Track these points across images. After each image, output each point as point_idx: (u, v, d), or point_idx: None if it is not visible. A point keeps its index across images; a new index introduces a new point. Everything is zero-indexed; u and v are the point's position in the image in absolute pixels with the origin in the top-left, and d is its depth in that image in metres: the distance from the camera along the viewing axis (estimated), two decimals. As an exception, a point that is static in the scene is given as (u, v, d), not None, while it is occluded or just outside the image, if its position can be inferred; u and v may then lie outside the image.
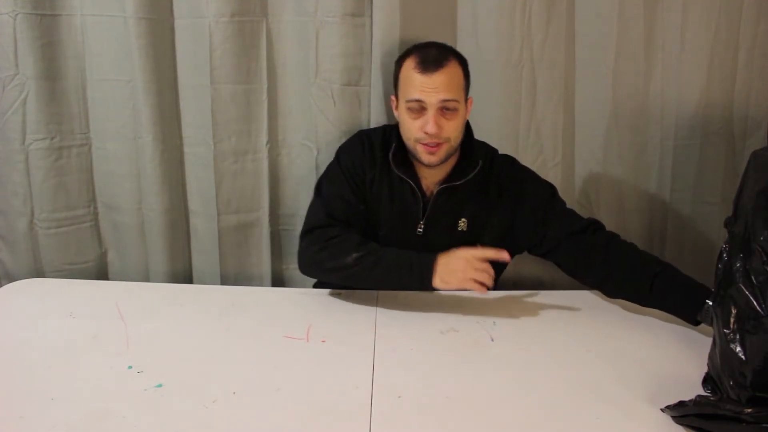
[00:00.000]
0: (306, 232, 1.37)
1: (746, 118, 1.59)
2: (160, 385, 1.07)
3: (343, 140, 1.48)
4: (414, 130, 1.31)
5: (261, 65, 1.54)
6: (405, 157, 1.39)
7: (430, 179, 1.40)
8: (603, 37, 1.54)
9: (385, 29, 1.49)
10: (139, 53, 1.48)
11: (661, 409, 1.00)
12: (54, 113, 1.53)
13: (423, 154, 1.33)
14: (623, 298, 1.35)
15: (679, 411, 0.96)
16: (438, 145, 1.31)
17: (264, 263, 1.68)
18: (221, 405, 1.02)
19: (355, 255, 1.29)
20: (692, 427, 0.95)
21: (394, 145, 1.38)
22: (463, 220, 1.41)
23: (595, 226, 1.40)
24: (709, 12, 1.51)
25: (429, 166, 1.35)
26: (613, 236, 1.38)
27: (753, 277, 0.93)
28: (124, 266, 1.67)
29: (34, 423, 0.97)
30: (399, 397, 1.06)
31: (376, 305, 1.36)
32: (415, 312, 1.33)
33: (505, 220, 1.42)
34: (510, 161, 1.47)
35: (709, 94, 1.56)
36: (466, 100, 1.36)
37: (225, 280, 1.67)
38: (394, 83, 1.39)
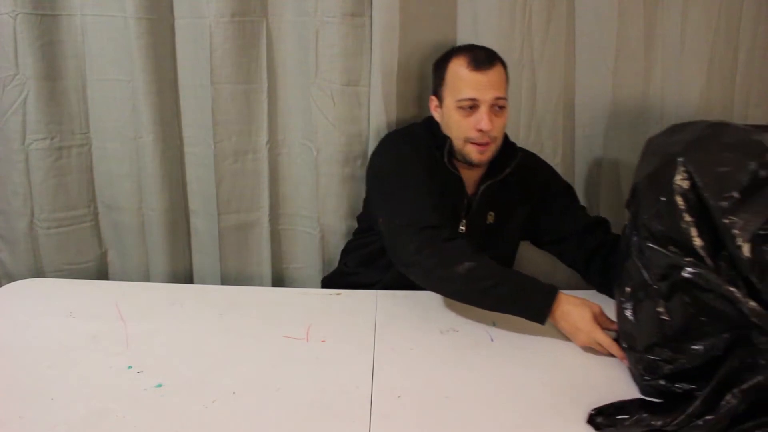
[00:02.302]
0: (421, 229, 1.24)
1: (746, 118, 1.59)
2: (159, 385, 1.07)
3: (343, 140, 1.48)
4: (465, 128, 1.32)
5: (261, 65, 1.54)
6: (451, 155, 1.38)
7: (471, 178, 1.42)
8: (603, 37, 1.54)
9: (385, 29, 1.49)
10: (139, 53, 1.48)
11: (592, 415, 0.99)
12: (54, 113, 1.53)
13: (473, 153, 1.34)
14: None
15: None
16: (487, 144, 1.32)
17: (264, 263, 1.68)
18: (221, 405, 1.02)
19: (467, 265, 1.20)
20: None
21: (449, 141, 1.36)
22: (491, 213, 1.43)
23: (606, 224, 1.44)
24: (709, 12, 1.51)
25: (477, 165, 1.36)
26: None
27: (642, 251, 1.04)
28: (124, 266, 1.67)
29: (34, 423, 0.97)
30: (399, 397, 1.06)
31: (376, 305, 1.35)
32: (415, 312, 1.33)
33: (526, 210, 1.45)
34: (531, 153, 1.51)
35: (709, 94, 1.56)
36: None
37: (225, 280, 1.67)
38: (437, 83, 1.39)
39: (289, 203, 1.66)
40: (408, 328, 1.27)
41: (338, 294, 1.41)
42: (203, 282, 1.67)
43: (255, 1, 1.50)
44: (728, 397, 0.92)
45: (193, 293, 1.47)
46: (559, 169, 1.61)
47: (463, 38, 1.55)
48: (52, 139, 1.54)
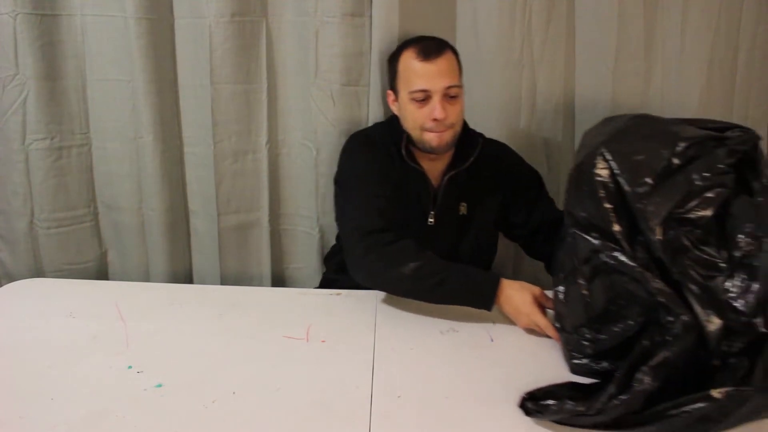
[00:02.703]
0: (364, 236, 1.28)
1: (746, 118, 1.59)
2: (159, 385, 1.07)
3: (343, 140, 1.48)
4: (420, 118, 1.33)
5: (261, 65, 1.54)
6: (411, 150, 1.40)
7: (435, 169, 1.42)
8: (603, 37, 1.54)
9: (385, 29, 1.49)
10: (139, 53, 1.48)
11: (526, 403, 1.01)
12: (54, 113, 1.53)
13: (431, 140, 1.34)
14: None
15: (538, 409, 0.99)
16: (444, 131, 1.33)
17: (264, 263, 1.68)
18: (221, 405, 1.02)
19: (413, 265, 1.23)
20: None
21: (405, 135, 1.38)
22: (463, 204, 1.44)
23: None
24: (709, 12, 1.51)
25: (436, 152, 1.36)
26: None
27: (572, 238, 1.10)
28: (124, 266, 1.67)
29: (34, 423, 0.97)
30: (399, 397, 1.06)
31: (376, 305, 1.35)
32: (415, 312, 1.33)
33: (498, 201, 1.45)
34: (499, 143, 1.52)
35: (709, 94, 1.56)
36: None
37: (225, 280, 1.67)
38: (391, 78, 1.41)
39: (289, 203, 1.66)
40: (408, 328, 1.27)
41: (338, 294, 1.41)
42: (203, 282, 1.67)
43: (255, 1, 1.50)
44: (638, 375, 0.94)
45: (193, 293, 1.47)
46: (559, 170, 1.61)
47: (463, 38, 1.55)
48: (52, 139, 1.54)
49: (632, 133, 1.09)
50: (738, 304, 0.95)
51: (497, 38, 1.53)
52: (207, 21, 1.49)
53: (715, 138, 1.04)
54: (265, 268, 1.68)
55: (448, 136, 1.35)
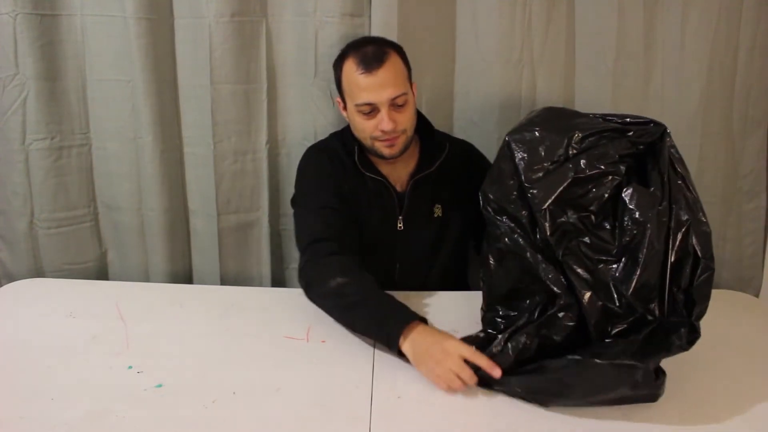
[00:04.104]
0: (307, 245, 1.31)
1: (746, 118, 1.59)
2: (160, 385, 1.07)
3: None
4: (369, 129, 1.33)
5: (261, 65, 1.54)
6: (367, 158, 1.40)
7: (398, 173, 1.42)
8: (603, 36, 1.54)
9: (384, 29, 1.49)
10: (139, 53, 1.48)
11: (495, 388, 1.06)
12: (54, 113, 1.53)
13: (382, 149, 1.34)
14: None
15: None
16: (395, 138, 1.32)
17: (264, 263, 1.68)
18: (221, 405, 1.02)
19: (339, 280, 1.21)
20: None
21: (356, 147, 1.39)
22: (437, 206, 1.43)
23: None
24: (709, 12, 1.51)
25: (390, 158, 1.36)
26: None
27: (489, 222, 1.19)
28: (124, 266, 1.67)
29: (34, 423, 0.97)
30: (399, 397, 1.06)
31: (376, 305, 1.35)
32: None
33: (475, 202, 1.42)
34: (465, 142, 1.52)
35: (709, 94, 1.56)
36: (411, 87, 1.37)
37: (225, 280, 1.67)
38: (337, 86, 1.39)
39: (288, 203, 1.66)
40: (408, 328, 1.27)
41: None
42: (203, 282, 1.66)
43: (255, 1, 1.50)
44: (517, 336, 1.06)
45: (193, 293, 1.47)
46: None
47: (463, 38, 1.55)
48: (52, 139, 1.54)
49: (540, 125, 1.15)
50: (622, 287, 1.04)
51: (497, 38, 1.53)
52: (207, 21, 1.49)
53: (616, 130, 1.12)
54: (265, 268, 1.68)
55: (400, 142, 1.34)
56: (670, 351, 1.00)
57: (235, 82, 1.53)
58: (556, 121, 1.16)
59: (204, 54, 1.51)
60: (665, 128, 1.12)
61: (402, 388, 1.08)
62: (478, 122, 1.59)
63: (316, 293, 1.28)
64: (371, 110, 1.30)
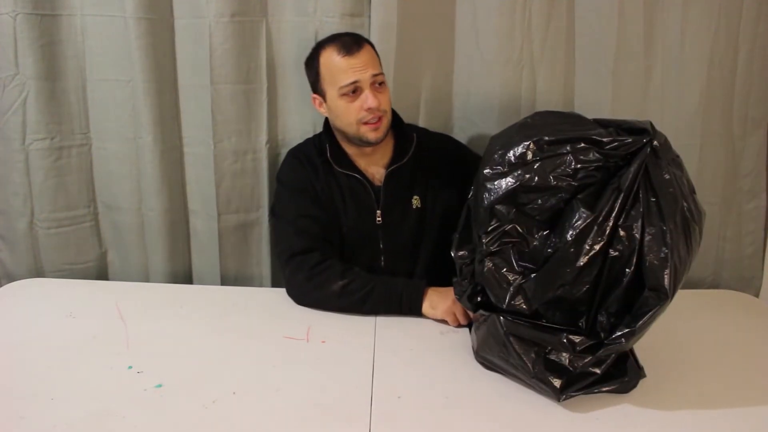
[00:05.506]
0: (288, 258, 1.38)
1: (746, 118, 1.59)
2: (160, 385, 1.07)
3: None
4: (354, 111, 1.34)
5: (261, 65, 1.54)
6: (343, 155, 1.42)
7: (373, 168, 1.44)
8: (603, 36, 1.53)
9: (384, 29, 1.49)
10: (139, 53, 1.48)
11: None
12: (54, 113, 1.53)
13: (368, 133, 1.36)
14: None
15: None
16: (380, 119, 1.35)
17: (264, 263, 1.68)
18: (221, 405, 1.02)
19: (341, 283, 1.32)
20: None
21: (327, 145, 1.42)
22: (415, 197, 1.45)
23: None
24: (709, 12, 1.51)
25: (375, 143, 1.37)
26: None
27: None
28: (124, 266, 1.67)
29: (34, 423, 0.97)
30: (399, 397, 1.06)
31: (376, 305, 1.35)
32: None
33: (455, 192, 1.43)
34: (445, 135, 1.55)
35: (709, 94, 1.56)
36: None
37: (225, 280, 1.67)
38: (312, 82, 1.41)
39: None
40: (408, 329, 1.28)
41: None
42: (203, 282, 1.66)
43: (255, 1, 1.50)
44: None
45: (193, 293, 1.47)
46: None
47: (463, 38, 1.55)
48: (52, 139, 1.54)
49: (520, 127, 1.16)
50: (527, 288, 1.07)
51: (497, 38, 1.53)
52: (207, 21, 1.49)
53: (590, 141, 1.08)
54: (265, 268, 1.68)
55: (383, 125, 1.37)
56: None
57: (235, 82, 1.53)
58: (538, 125, 1.16)
59: (204, 54, 1.51)
60: (649, 140, 1.05)
61: (402, 388, 1.08)
62: (477, 122, 1.59)
63: (318, 300, 1.34)
64: (355, 90, 1.33)
